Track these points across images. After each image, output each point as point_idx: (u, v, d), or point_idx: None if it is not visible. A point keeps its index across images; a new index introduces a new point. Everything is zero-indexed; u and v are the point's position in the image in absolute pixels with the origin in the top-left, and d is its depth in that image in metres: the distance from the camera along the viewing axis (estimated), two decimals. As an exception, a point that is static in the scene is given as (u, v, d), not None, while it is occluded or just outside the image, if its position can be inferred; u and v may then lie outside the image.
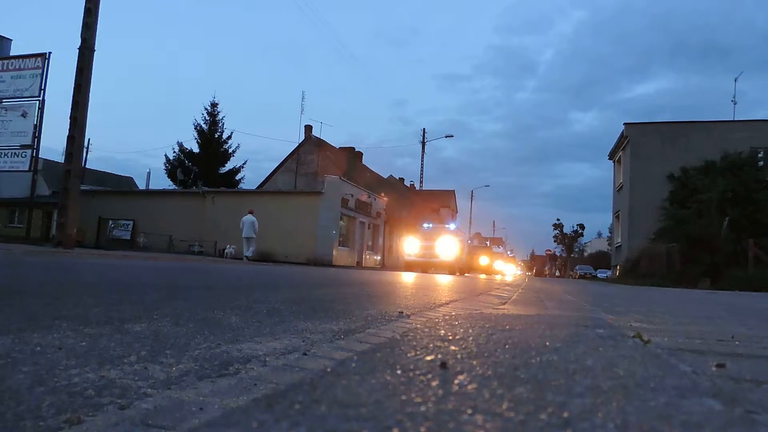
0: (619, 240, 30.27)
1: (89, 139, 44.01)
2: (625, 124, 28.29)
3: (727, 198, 21.34)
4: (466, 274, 24.27)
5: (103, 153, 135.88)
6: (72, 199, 14.50)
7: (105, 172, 47.46)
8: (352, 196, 29.88)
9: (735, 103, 32.26)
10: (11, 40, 27.25)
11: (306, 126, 42.19)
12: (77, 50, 14.53)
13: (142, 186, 45.52)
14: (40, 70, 18.19)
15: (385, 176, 55.37)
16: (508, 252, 71.53)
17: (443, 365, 1.25)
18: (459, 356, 1.42)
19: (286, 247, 26.19)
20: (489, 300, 5.52)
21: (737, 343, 2.22)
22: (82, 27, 14.56)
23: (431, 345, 1.61)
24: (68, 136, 14.53)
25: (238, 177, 41.35)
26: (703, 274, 18.38)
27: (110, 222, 30.70)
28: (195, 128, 40.44)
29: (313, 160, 40.51)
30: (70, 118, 14.55)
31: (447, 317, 2.71)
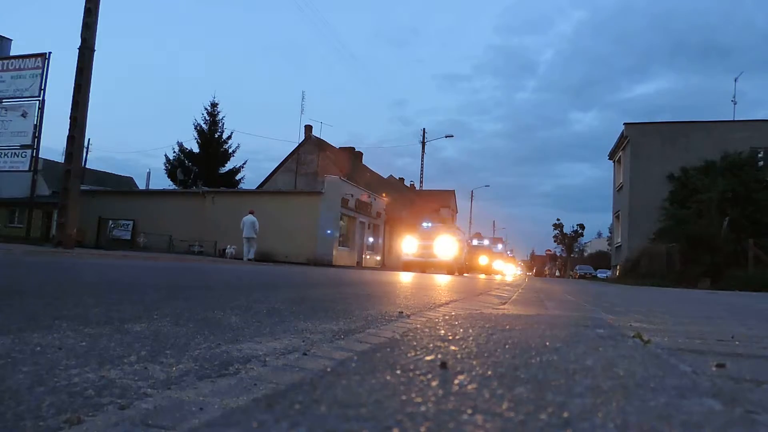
0: (619, 240, 30.27)
1: (89, 139, 44.05)
2: (625, 124, 28.30)
3: (727, 198, 21.34)
4: (465, 275, 24.18)
5: (103, 153, 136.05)
6: (72, 199, 14.51)
7: (105, 172, 47.48)
8: (352, 196, 29.89)
9: (735, 103, 32.32)
10: (11, 40, 27.26)
11: (306, 126, 42.24)
12: (77, 50, 14.54)
13: (142, 186, 45.56)
14: (40, 70, 18.20)
15: (385, 176, 55.38)
16: (508, 252, 71.50)
17: (443, 365, 1.25)
18: (459, 356, 1.42)
19: (286, 247, 26.20)
20: (489, 300, 5.52)
21: (737, 343, 2.22)
22: (82, 27, 14.57)
23: (431, 345, 1.61)
24: (68, 136, 14.54)
25: (238, 177, 41.43)
26: (703, 274, 18.38)
27: (110, 222, 30.71)
28: (195, 128, 40.50)
29: (313, 160, 40.52)
30: (70, 118, 14.55)
31: (447, 317, 2.71)
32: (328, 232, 26.99)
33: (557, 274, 64.08)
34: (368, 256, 33.27)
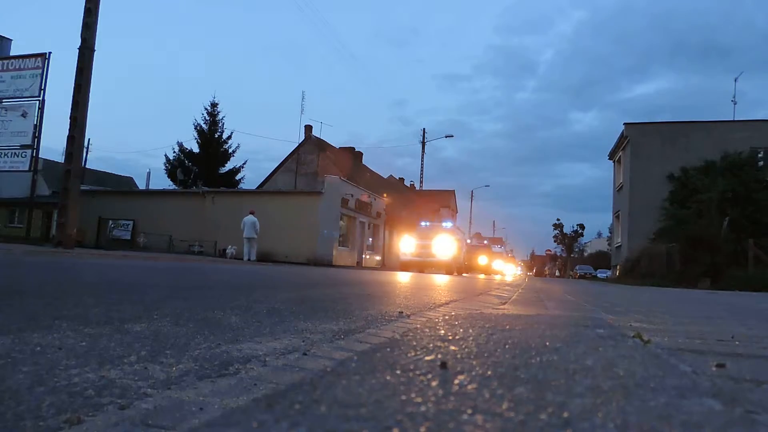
0: (619, 240, 30.27)
1: (89, 139, 44.05)
2: (625, 124, 28.29)
3: (727, 198, 21.34)
4: (464, 275, 24.08)
5: (103, 153, 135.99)
6: (72, 199, 14.51)
7: (105, 172, 47.46)
8: (352, 196, 29.88)
9: (735, 103, 32.32)
10: (11, 40, 27.24)
11: (306, 126, 42.22)
12: (77, 50, 14.54)
13: (142, 186, 45.54)
14: (40, 70, 18.20)
15: (385, 176, 55.38)
16: (508, 252, 71.52)
17: (443, 365, 1.25)
18: (459, 356, 1.42)
19: (286, 247, 26.19)
20: (489, 300, 5.52)
21: (737, 343, 2.22)
22: (82, 27, 14.57)
23: (431, 345, 1.61)
24: (68, 136, 14.54)
25: (238, 177, 41.39)
26: (703, 274, 18.37)
27: (110, 222, 30.70)
28: (195, 128, 40.47)
29: (313, 160, 40.51)
30: (70, 118, 14.55)
31: (447, 317, 2.71)
32: (325, 232, 26.96)
33: (557, 274, 64.06)
34: (368, 256, 33.26)
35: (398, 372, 1.16)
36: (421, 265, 23.07)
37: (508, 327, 2.21)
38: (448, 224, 27.46)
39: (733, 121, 27.22)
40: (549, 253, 79.68)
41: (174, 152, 40.43)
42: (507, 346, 1.63)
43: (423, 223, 25.75)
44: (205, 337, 2.03)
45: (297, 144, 41.59)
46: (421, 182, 45.40)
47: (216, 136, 40.67)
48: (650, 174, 25.48)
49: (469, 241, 36.21)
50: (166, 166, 40.21)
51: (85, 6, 14.61)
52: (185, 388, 1.30)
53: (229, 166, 41.17)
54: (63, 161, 15.97)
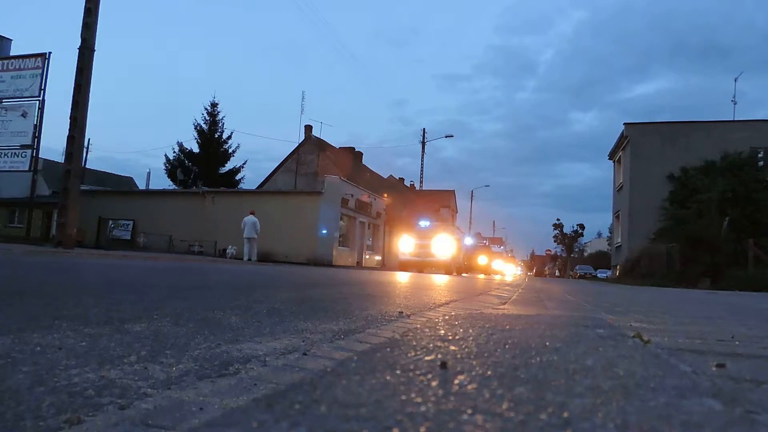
0: (619, 240, 30.27)
1: (89, 139, 44.03)
2: (625, 124, 28.29)
3: (727, 198, 21.34)
4: (463, 274, 23.99)
5: (103, 153, 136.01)
6: (72, 199, 14.51)
7: (105, 172, 47.45)
8: (352, 196, 29.88)
9: (735, 103, 32.28)
10: (11, 40, 27.26)
11: (306, 126, 42.22)
12: (77, 50, 14.54)
13: (142, 186, 45.53)
14: (40, 70, 18.21)
15: (385, 176, 55.39)
16: (508, 252, 71.55)
17: (443, 365, 1.25)
18: (459, 356, 1.42)
19: (286, 247, 26.19)
20: (489, 300, 5.52)
21: (737, 343, 2.22)
22: (82, 27, 14.57)
23: (431, 345, 1.61)
24: (68, 136, 14.54)
25: (238, 177, 41.38)
26: (703, 274, 18.37)
27: (110, 222, 30.70)
28: (195, 128, 40.47)
29: (313, 160, 40.51)
30: (70, 118, 14.55)
31: (447, 317, 2.71)
32: (323, 232, 26.93)
33: (557, 274, 64.06)
34: (368, 256, 33.26)
35: (398, 372, 1.16)
36: (420, 265, 22.92)
37: (508, 327, 2.21)
38: (447, 224, 27.38)
39: (733, 121, 27.22)
40: (549, 253, 79.70)
41: (174, 152, 40.47)
42: (507, 346, 1.63)
43: (421, 223, 25.51)
44: (205, 337, 2.03)
45: (297, 144, 41.62)
46: (421, 182, 45.41)
47: (216, 136, 40.66)
48: (650, 174, 25.48)
49: (472, 241, 36.14)
50: (166, 166, 40.23)
51: (85, 6, 14.61)
52: (185, 388, 1.30)
53: (229, 166, 41.21)
54: (63, 161, 15.97)
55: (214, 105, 41.08)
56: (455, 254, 23.94)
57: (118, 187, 42.17)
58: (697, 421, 0.85)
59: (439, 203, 54.77)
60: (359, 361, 1.30)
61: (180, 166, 39.68)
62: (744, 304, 6.98)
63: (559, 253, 74.35)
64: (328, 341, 2.14)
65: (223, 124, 41.29)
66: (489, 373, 1.19)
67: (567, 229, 69.37)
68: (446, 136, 44.78)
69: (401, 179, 60.00)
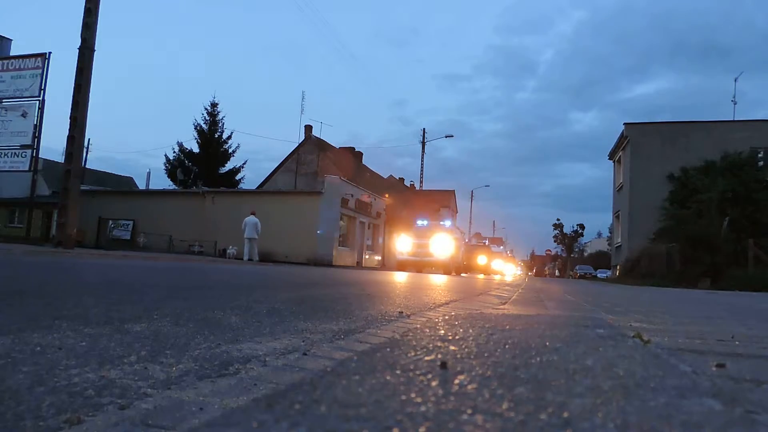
0: (619, 240, 30.27)
1: (89, 139, 44.03)
2: (625, 124, 28.29)
3: (727, 198, 21.35)
4: (462, 274, 23.88)
5: (103, 153, 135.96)
6: (72, 199, 14.51)
7: (105, 172, 47.44)
8: (352, 196, 29.88)
9: (735, 103, 32.30)
10: (11, 40, 27.26)
11: (306, 126, 42.22)
12: (77, 50, 14.55)
13: (142, 186, 45.52)
14: (40, 70, 18.22)
15: (385, 176, 55.39)
16: (508, 252, 71.51)
17: (443, 365, 1.25)
18: (459, 356, 1.42)
19: (286, 247, 26.18)
20: (489, 300, 5.52)
21: (737, 343, 2.22)
22: (82, 27, 14.58)
23: (431, 345, 1.61)
24: (68, 136, 14.55)
25: (238, 177, 41.36)
26: (703, 274, 18.38)
27: (110, 222, 30.70)
28: (195, 128, 40.45)
29: (313, 160, 40.51)
30: (70, 118, 14.56)
31: (447, 317, 2.71)
32: (319, 232, 26.90)
33: (557, 274, 64.07)
34: (368, 256, 33.26)
35: (398, 372, 1.16)
36: (419, 265, 22.68)
37: (508, 327, 2.21)
38: (446, 223, 27.17)
39: (733, 121, 27.23)
40: (549, 253, 79.70)
41: (174, 152, 40.45)
42: (507, 346, 1.63)
43: (419, 222, 25.18)
44: (205, 337, 2.03)
45: (297, 144, 41.62)
46: (421, 182, 45.40)
47: (216, 136, 40.65)
48: (650, 174, 25.48)
49: (473, 241, 36.09)
50: (166, 166, 40.22)
51: (85, 6, 14.61)
52: (185, 388, 1.30)
53: (229, 166, 41.19)
54: (63, 161, 15.98)
55: (214, 105, 41.10)
56: (454, 254, 23.74)
57: (118, 187, 42.17)
58: (697, 421, 0.85)
59: (439, 203, 54.79)
60: (359, 361, 1.30)
61: (180, 166, 39.67)
62: (744, 304, 6.98)
63: (559, 253, 74.35)
64: (328, 341, 2.14)
65: (223, 124, 41.32)
66: (489, 373, 1.19)
67: (567, 229, 69.39)
68: (446, 136, 44.79)
69: (401, 179, 59.99)
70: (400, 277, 11.93)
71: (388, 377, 1.10)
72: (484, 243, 40.76)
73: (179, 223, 28.42)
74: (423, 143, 44.26)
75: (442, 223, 26.65)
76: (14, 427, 0.97)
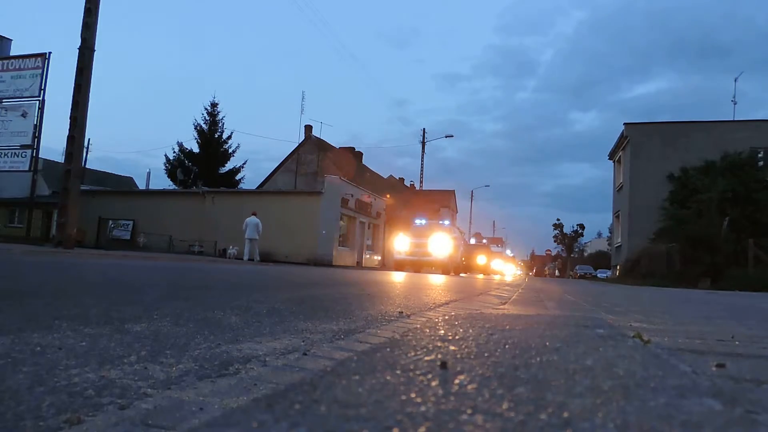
0: (619, 240, 30.27)
1: (89, 139, 44.03)
2: (625, 124, 28.29)
3: (727, 198, 21.35)
4: (461, 274, 23.74)
5: (103, 153, 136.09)
6: (72, 199, 14.51)
7: (105, 172, 47.42)
8: (352, 196, 29.87)
9: (735, 103, 32.29)
10: (11, 40, 27.24)
11: (306, 126, 42.22)
12: (77, 50, 14.55)
13: (142, 186, 45.51)
14: (40, 70, 18.22)
15: (385, 176, 55.38)
16: (508, 252, 71.54)
17: (443, 365, 1.24)
18: (459, 356, 1.42)
19: (286, 247, 26.18)
20: (489, 300, 5.52)
21: (737, 343, 2.22)
22: (82, 27, 14.58)
23: (431, 345, 1.61)
24: (68, 136, 14.55)
25: (238, 177, 41.35)
26: (703, 274, 18.38)
27: (110, 222, 30.69)
28: (195, 128, 40.44)
29: (313, 160, 40.51)
30: (70, 118, 14.56)
31: (447, 317, 2.71)
32: (323, 232, 26.91)
33: (557, 274, 64.06)
34: (368, 256, 33.26)
35: (398, 372, 1.16)
36: (417, 265, 22.46)
37: (508, 327, 2.21)
38: (445, 222, 27.01)
39: (733, 121, 27.23)
40: (549, 253, 79.70)
41: (174, 152, 40.44)
42: (507, 346, 1.63)
43: (417, 221, 24.90)
44: (205, 337, 2.03)
45: (297, 144, 41.62)
46: (421, 182, 45.40)
47: (216, 136, 40.64)
48: (650, 174, 25.49)
49: (473, 240, 36.05)
50: (166, 166, 40.21)
51: (85, 6, 14.61)
52: (185, 388, 1.30)
53: (229, 166, 41.18)
54: (63, 161, 15.98)
55: (214, 105, 41.08)
56: (452, 253, 23.47)
57: (118, 187, 42.16)
58: (697, 421, 0.85)
59: (439, 203, 54.81)
60: (359, 361, 1.30)
61: (180, 166, 39.65)
62: (744, 304, 6.98)
63: (559, 253, 74.34)
64: (328, 341, 2.14)
65: (223, 124, 41.30)
66: (489, 373, 1.19)
67: (567, 229, 69.38)
68: (446, 136, 44.78)
69: (401, 179, 60.00)
70: (399, 277, 11.93)
71: (388, 377, 1.10)
72: (484, 242, 40.74)
73: (179, 223, 28.42)
74: (423, 143, 44.28)
75: (440, 222, 26.51)
76: (14, 427, 0.97)
